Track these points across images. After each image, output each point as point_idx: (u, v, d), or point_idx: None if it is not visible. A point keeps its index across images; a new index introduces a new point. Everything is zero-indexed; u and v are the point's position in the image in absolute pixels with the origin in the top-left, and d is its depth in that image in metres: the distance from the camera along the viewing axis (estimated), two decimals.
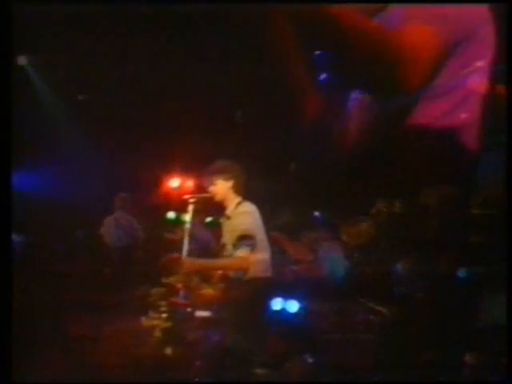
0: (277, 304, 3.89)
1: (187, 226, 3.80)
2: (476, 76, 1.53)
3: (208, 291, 3.78)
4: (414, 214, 1.61)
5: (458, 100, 1.57)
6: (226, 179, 3.81)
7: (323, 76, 1.66)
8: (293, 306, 4.20)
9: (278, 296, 3.72)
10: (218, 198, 3.83)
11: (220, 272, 3.71)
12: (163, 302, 5.08)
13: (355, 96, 1.74)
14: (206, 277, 3.80)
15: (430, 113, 1.60)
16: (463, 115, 1.58)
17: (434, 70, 1.53)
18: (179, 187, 5.66)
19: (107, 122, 5.72)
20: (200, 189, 4.18)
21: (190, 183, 5.65)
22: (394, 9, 1.62)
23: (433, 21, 1.47)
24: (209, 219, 3.92)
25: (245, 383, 3.54)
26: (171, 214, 5.39)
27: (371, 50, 1.44)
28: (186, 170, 5.76)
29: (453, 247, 1.58)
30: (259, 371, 3.61)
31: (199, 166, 5.46)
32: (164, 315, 5.00)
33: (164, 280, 5.03)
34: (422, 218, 1.61)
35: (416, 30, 1.47)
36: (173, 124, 5.53)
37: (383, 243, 1.74)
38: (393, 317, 1.73)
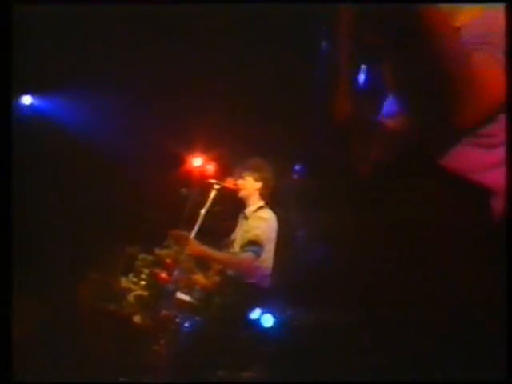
0: (255, 314, 3.87)
1: (203, 210, 3.76)
2: None
3: (199, 277, 3.76)
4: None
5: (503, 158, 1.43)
6: (257, 179, 3.78)
7: (363, 77, 1.57)
8: (268, 320, 4.19)
9: (266, 308, 3.70)
10: (243, 193, 3.80)
11: (220, 266, 3.68)
12: (146, 270, 5.07)
13: (391, 109, 1.64)
14: (204, 264, 3.77)
15: (470, 160, 1.46)
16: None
17: (491, 115, 1.42)
18: (201, 167, 5.67)
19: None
20: (221, 175, 4.15)
21: (212, 166, 5.65)
22: (475, 24, 1.51)
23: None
24: (217, 186, 3.82)
25: (243, 383, 3.52)
26: (183, 191, 5.37)
27: (441, 63, 1.31)
28: (210, 151, 5.74)
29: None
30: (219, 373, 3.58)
31: (223, 149, 5.52)
32: (143, 283, 4.99)
33: (157, 251, 5.03)
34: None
35: (488, 64, 1.39)
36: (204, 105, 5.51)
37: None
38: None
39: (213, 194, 3.76)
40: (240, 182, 3.77)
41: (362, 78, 1.53)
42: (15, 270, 2.08)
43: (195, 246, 3.55)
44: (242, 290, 3.57)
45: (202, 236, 3.69)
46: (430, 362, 1.51)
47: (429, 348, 1.52)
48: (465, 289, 1.50)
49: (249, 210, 3.76)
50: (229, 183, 3.80)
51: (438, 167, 1.45)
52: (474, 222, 1.45)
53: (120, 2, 4.30)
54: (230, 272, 3.65)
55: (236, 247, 3.70)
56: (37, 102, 5.86)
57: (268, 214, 3.70)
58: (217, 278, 3.66)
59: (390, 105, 1.61)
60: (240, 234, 3.72)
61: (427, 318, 1.52)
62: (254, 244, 3.55)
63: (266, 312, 4.16)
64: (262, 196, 3.77)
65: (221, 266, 3.66)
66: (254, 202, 3.76)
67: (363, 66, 1.53)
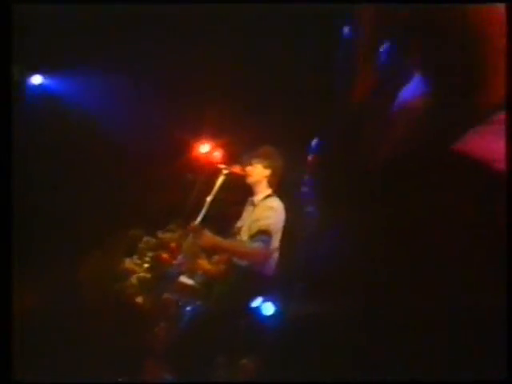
0: (256, 302, 3.88)
1: (209, 197, 3.75)
2: None
3: (203, 262, 3.76)
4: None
5: None
6: (266, 167, 3.76)
7: (383, 58, 1.54)
8: (268, 309, 4.20)
9: (269, 296, 3.70)
10: (250, 180, 3.78)
11: (228, 254, 3.67)
12: (150, 253, 5.09)
13: (410, 93, 1.61)
14: (209, 250, 3.77)
15: (488, 147, 1.44)
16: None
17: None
18: (208, 153, 5.65)
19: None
20: (228, 162, 4.12)
21: (219, 152, 5.64)
22: None
23: None
24: (226, 171, 3.80)
25: (243, 383, 3.53)
26: (189, 175, 5.37)
27: (474, 36, 1.32)
28: (217, 137, 5.72)
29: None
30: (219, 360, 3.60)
31: (232, 136, 5.50)
32: (146, 265, 5.01)
33: (160, 234, 5.04)
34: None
35: None
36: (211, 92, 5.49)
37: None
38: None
39: (221, 179, 3.74)
40: (248, 168, 3.75)
41: (382, 59, 1.52)
42: (15, 250, 2.08)
43: (209, 239, 3.52)
44: (245, 277, 3.57)
45: (207, 222, 3.69)
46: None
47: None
48: (470, 286, 1.50)
49: (257, 198, 3.73)
50: (237, 169, 3.78)
51: (456, 155, 1.43)
52: (493, 212, 1.43)
53: None
54: (235, 259, 3.64)
55: (244, 236, 3.69)
56: (47, 83, 5.86)
57: (277, 203, 3.68)
58: (222, 266, 3.67)
59: (409, 89, 1.59)
60: (248, 223, 3.70)
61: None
62: (264, 234, 3.53)
63: (268, 300, 4.17)
64: (270, 184, 3.75)
65: (228, 255, 3.65)
66: (262, 190, 3.74)
67: (384, 46, 1.52)
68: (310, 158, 1.98)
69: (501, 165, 1.42)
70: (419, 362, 1.56)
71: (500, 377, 1.43)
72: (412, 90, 1.58)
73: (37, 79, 5.75)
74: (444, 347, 1.54)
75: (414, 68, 1.57)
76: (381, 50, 1.51)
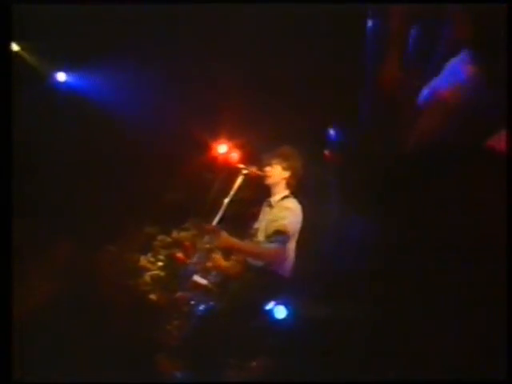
0: (269, 305, 3.87)
1: (227, 198, 3.73)
2: None
3: (220, 259, 3.74)
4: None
5: None
6: (285, 168, 3.73)
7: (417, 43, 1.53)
8: (280, 312, 4.18)
9: (284, 298, 3.69)
10: (269, 181, 3.75)
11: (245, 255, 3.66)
12: (164, 251, 5.10)
13: (443, 81, 1.59)
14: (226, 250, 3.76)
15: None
16: None
17: None
18: (226, 153, 5.66)
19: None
20: (246, 163, 4.11)
21: (237, 152, 5.64)
22: None
23: None
24: (245, 171, 3.78)
25: (243, 383, 3.52)
26: (208, 175, 5.39)
27: None
28: (235, 137, 5.72)
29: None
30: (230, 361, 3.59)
31: (249, 136, 5.50)
32: (160, 263, 5.02)
33: (174, 233, 5.04)
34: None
35: None
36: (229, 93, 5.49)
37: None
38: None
39: (240, 179, 3.72)
40: (268, 169, 3.72)
41: (415, 44, 1.52)
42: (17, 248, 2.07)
43: (225, 239, 3.51)
44: (261, 277, 3.55)
45: (224, 223, 3.67)
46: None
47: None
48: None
49: (274, 199, 3.71)
50: (256, 170, 3.76)
51: (488, 151, 1.43)
52: None
53: None
54: (251, 260, 3.62)
55: (260, 236, 3.66)
56: (70, 79, 5.92)
57: (294, 204, 3.64)
58: (238, 265, 3.65)
59: (442, 77, 1.58)
60: (265, 224, 3.67)
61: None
62: (281, 234, 3.50)
63: (282, 303, 4.15)
64: (289, 185, 3.72)
65: (244, 255, 3.64)
66: (280, 191, 3.71)
67: (417, 30, 1.52)
68: (327, 152, 1.96)
69: None
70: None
71: (500, 377, 1.43)
72: (446, 77, 1.57)
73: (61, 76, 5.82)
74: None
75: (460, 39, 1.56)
76: (409, 38, 1.52)
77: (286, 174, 3.69)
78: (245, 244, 3.60)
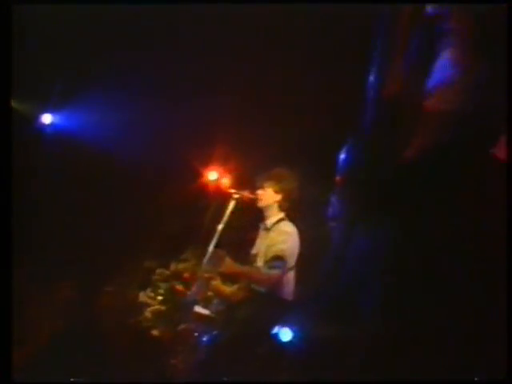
0: (275, 329, 3.81)
1: (221, 224, 3.70)
2: None
3: (223, 287, 3.69)
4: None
5: None
6: (277, 191, 3.70)
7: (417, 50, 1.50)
8: (285, 335, 4.11)
9: (289, 322, 3.63)
10: (261, 204, 3.72)
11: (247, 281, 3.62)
12: (164, 285, 5.03)
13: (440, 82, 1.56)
14: (227, 277, 3.71)
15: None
16: None
17: None
18: (217, 180, 5.64)
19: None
20: (238, 187, 4.08)
21: (227, 179, 5.62)
22: None
23: None
24: (236, 196, 3.75)
25: (246, 383, 3.43)
26: (201, 203, 5.34)
27: None
28: (227, 162, 5.70)
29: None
30: None
31: (239, 161, 5.48)
32: (160, 297, 4.94)
33: (173, 265, 4.98)
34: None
35: None
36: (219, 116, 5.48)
37: None
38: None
39: (232, 204, 3.70)
40: (260, 192, 3.70)
41: (416, 51, 1.51)
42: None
43: (230, 265, 3.49)
44: (266, 302, 3.51)
45: (220, 249, 3.64)
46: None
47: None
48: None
49: (270, 222, 3.68)
50: (247, 193, 3.74)
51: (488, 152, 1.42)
52: None
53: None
54: (254, 286, 3.58)
55: (259, 262, 3.63)
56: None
57: (291, 228, 3.62)
58: (241, 292, 3.60)
59: (433, 81, 1.55)
60: (263, 248, 3.64)
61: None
62: (280, 259, 3.48)
63: (286, 326, 4.09)
64: (282, 207, 3.69)
65: (246, 281, 3.60)
66: (274, 214, 3.68)
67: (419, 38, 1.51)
68: (338, 178, 1.94)
69: None
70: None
71: (500, 377, 1.43)
72: (440, 77, 1.55)
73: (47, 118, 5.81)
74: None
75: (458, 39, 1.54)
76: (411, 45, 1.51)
77: (278, 197, 3.68)
78: (247, 269, 3.58)
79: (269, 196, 3.68)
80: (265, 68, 4.78)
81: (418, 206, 1.51)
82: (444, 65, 1.53)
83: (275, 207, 3.68)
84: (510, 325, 1.40)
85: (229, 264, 3.42)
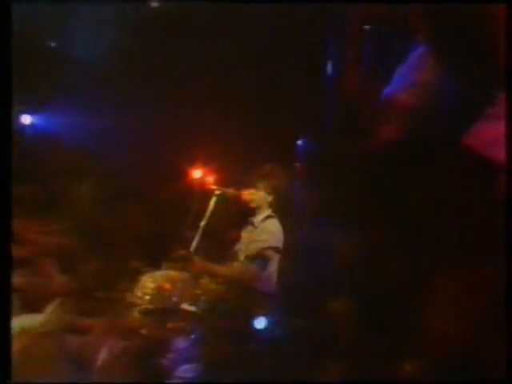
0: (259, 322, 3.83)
1: (202, 222, 3.72)
2: None
3: (207, 283, 3.71)
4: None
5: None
6: (269, 193, 3.72)
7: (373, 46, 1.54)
8: (260, 323, 4.14)
9: (271, 314, 3.66)
10: (252, 205, 3.75)
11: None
12: (151, 285, 5.03)
13: (402, 81, 1.60)
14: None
15: (481, 137, 1.45)
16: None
17: None
18: (201, 178, 5.64)
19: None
20: (222, 183, 4.08)
21: (212, 177, 5.61)
22: None
23: None
24: (218, 192, 3.75)
25: (245, 383, 3.46)
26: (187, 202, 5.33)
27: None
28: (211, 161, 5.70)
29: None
30: None
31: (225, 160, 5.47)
32: (147, 297, 4.94)
33: (163, 265, 4.97)
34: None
35: None
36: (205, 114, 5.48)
37: None
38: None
39: (213, 200, 3.71)
40: (252, 191, 3.71)
41: (371, 47, 1.53)
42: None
43: (201, 266, 3.50)
44: (247, 297, 3.53)
45: (203, 247, 3.65)
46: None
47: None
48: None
49: (256, 220, 3.70)
50: (231, 189, 3.75)
51: (452, 142, 1.43)
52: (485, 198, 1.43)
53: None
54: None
55: (241, 256, 3.66)
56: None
57: (276, 227, 3.65)
58: (222, 287, 3.63)
59: (401, 77, 1.58)
60: (246, 243, 3.67)
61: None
62: (261, 257, 3.51)
63: (266, 317, 4.11)
64: (271, 205, 3.72)
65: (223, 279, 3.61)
66: (263, 212, 3.71)
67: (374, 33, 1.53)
68: (298, 164, 1.96)
69: (494, 150, 1.43)
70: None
71: (500, 377, 1.43)
72: (400, 81, 1.58)
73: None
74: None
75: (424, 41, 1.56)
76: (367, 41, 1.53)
77: (270, 198, 3.69)
78: (221, 268, 3.59)
79: (260, 197, 3.70)
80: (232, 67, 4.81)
81: (380, 199, 1.53)
82: (410, 62, 1.56)
83: (265, 207, 3.70)
84: (509, 325, 1.40)
85: (198, 264, 3.42)
